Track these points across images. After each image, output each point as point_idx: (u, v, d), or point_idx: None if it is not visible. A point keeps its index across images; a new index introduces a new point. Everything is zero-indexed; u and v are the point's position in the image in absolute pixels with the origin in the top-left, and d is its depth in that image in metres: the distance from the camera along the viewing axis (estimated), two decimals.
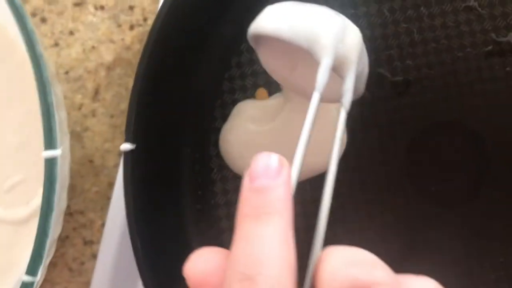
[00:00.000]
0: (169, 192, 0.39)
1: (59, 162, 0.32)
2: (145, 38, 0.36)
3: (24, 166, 0.38)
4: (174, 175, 0.39)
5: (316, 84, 0.27)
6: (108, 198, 0.43)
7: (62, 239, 0.43)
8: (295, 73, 0.33)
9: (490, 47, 0.38)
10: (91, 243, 0.43)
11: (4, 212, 0.38)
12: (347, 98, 0.28)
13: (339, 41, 0.28)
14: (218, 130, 0.40)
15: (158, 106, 0.37)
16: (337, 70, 0.29)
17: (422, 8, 0.39)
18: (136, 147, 0.34)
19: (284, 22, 0.29)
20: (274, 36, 0.29)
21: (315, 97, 0.27)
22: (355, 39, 0.29)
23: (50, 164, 0.32)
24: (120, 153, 0.42)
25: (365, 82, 0.31)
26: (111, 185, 0.43)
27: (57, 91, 0.35)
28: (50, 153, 0.31)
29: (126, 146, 0.34)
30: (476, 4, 0.38)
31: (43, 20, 0.44)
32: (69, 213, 0.43)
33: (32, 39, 0.32)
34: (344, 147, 0.39)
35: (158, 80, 0.36)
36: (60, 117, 0.35)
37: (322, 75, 0.28)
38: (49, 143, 0.32)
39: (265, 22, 0.29)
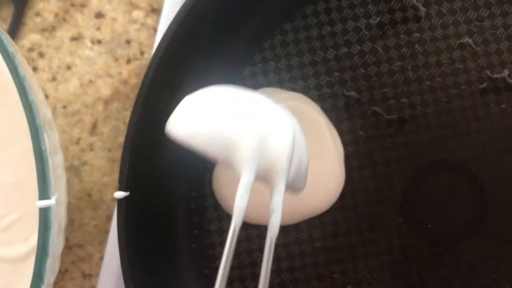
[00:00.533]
0: (164, 232, 0.39)
1: (53, 210, 0.32)
2: (142, 72, 0.36)
3: (22, 203, 0.38)
4: (169, 214, 0.39)
5: (233, 212, 0.22)
6: (106, 232, 0.43)
7: (62, 273, 0.43)
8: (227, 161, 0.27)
9: (485, 84, 0.38)
10: (90, 276, 0.43)
11: (2, 250, 0.38)
12: (275, 220, 0.22)
13: (262, 150, 0.23)
14: (213, 169, 0.40)
15: (152, 148, 0.37)
16: (263, 181, 0.24)
17: (416, 46, 0.38)
18: (130, 193, 0.34)
19: (197, 128, 0.24)
20: (187, 145, 0.24)
21: (231, 231, 0.22)
22: (284, 141, 0.23)
23: (44, 212, 0.32)
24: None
25: (305, 178, 0.26)
26: (109, 218, 0.43)
27: (52, 134, 0.35)
28: (44, 203, 0.32)
29: (120, 194, 0.34)
30: (470, 41, 0.38)
31: (41, 54, 0.44)
32: (68, 247, 0.43)
33: (24, 87, 0.32)
34: (342, 187, 0.38)
35: (152, 123, 0.36)
36: (55, 161, 0.35)
37: (241, 200, 0.22)
38: (43, 192, 0.32)
39: (178, 126, 0.25)
